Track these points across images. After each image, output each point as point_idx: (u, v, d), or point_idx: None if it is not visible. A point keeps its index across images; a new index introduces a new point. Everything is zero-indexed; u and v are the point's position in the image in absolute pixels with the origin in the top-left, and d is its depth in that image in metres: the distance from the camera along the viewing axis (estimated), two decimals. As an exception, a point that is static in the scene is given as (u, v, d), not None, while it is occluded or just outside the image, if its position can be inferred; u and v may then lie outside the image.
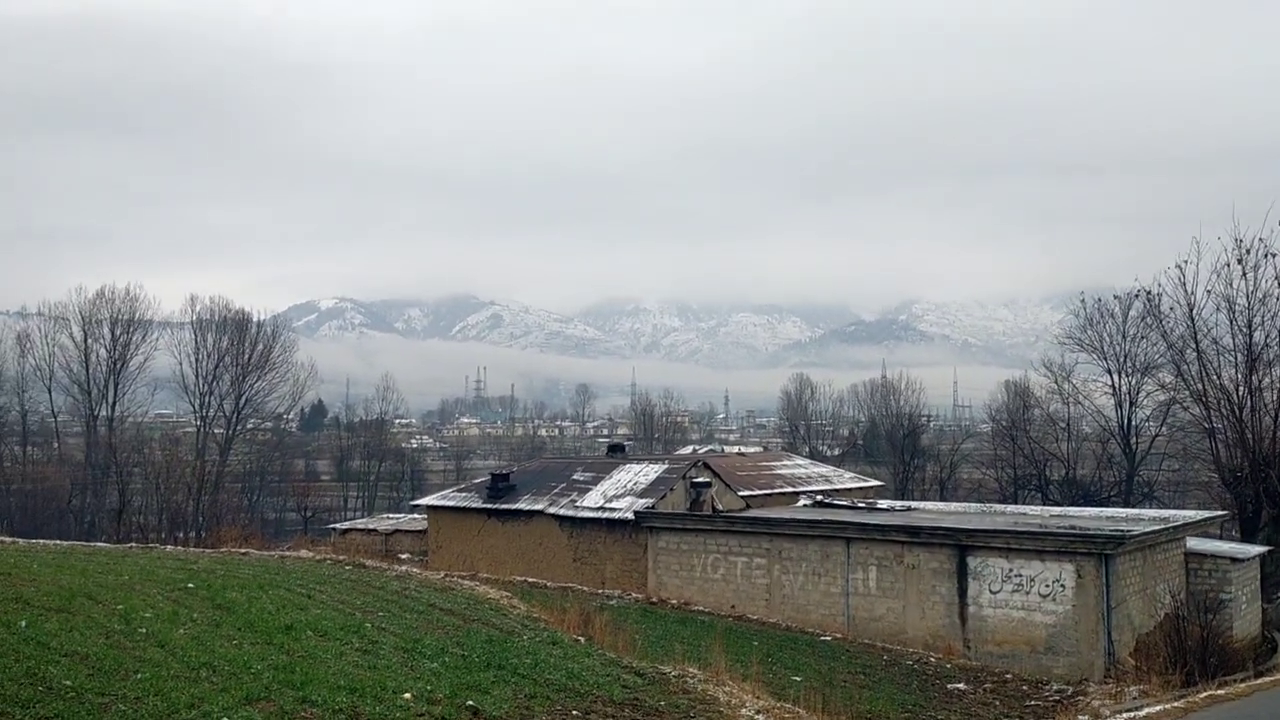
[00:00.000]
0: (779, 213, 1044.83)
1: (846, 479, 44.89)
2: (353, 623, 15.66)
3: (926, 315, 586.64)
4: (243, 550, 25.90)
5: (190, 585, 17.15)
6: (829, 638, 25.81)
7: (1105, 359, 52.91)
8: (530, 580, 29.88)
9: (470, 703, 11.81)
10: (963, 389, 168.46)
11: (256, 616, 15.07)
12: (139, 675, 11.02)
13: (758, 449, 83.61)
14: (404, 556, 38.50)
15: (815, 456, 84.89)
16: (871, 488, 43.96)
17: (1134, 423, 53.02)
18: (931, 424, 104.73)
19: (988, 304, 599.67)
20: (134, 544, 29.32)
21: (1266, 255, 35.75)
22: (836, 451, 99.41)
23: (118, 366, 75.21)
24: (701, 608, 28.73)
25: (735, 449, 78.41)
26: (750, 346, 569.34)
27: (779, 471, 42.33)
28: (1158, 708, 16.20)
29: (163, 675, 11.16)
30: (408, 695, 11.70)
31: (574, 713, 12.36)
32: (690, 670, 15.79)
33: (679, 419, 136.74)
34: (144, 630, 13.22)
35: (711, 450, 77.56)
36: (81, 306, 75.83)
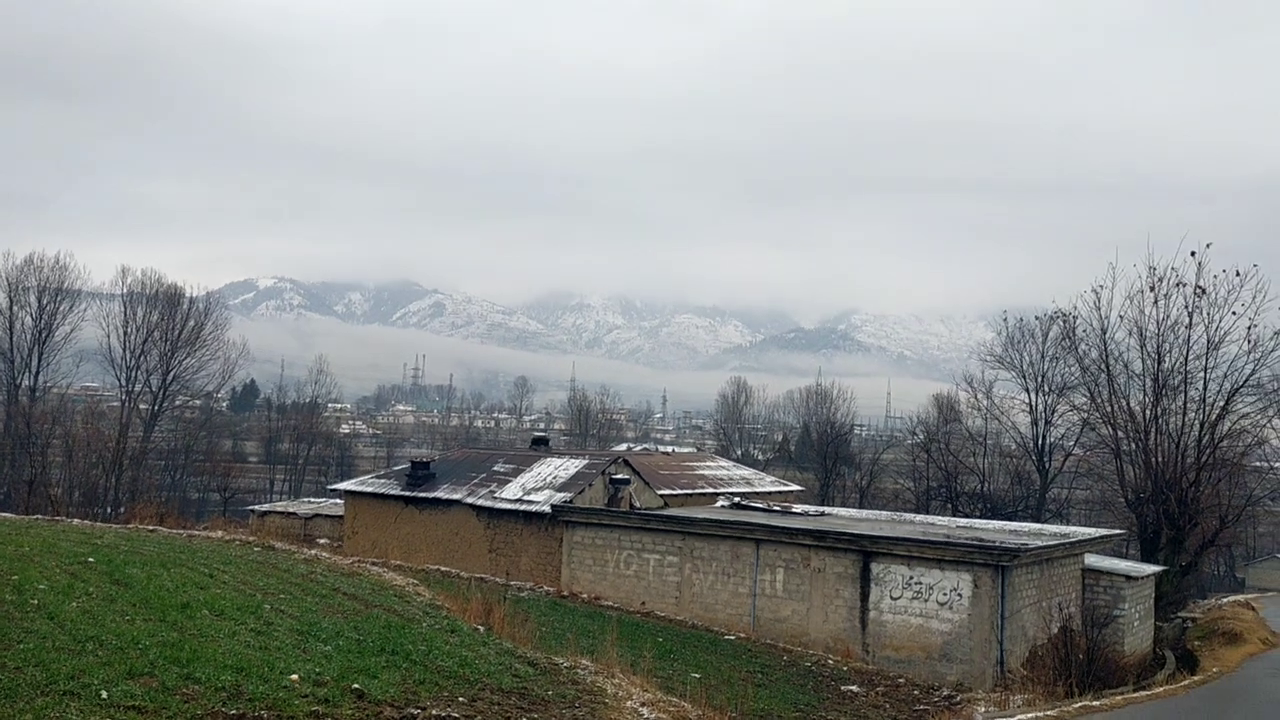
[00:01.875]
0: (726, 217, 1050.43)
1: (768, 482, 45.62)
2: (251, 603, 15.76)
3: (865, 326, 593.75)
4: (151, 527, 25.70)
5: (91, 559, 17.10)
6: (733, 637, 26.31)
7: (1024, 378, 54.41)
8: (444, 569, 30.00)
9: (356, 686, 12.01)
10: (896, 401, 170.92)
11: (154, 593, 15.11)
12: (22, 645, 11.09)
13: (691, 449, 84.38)
14: (322, 541, 38.41)
15: (747, 460, 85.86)
16: (791, 492, 44.69)
17: (1049, 441, 54.51)
18: (861, 433, 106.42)
19: (924, 318, 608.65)
20: (40, 516, 28.91)
21: (1178, 284, 36.97)
22: (768, 456, 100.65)
23: (43, 335, 73.64)
24: (612, 603, 29.09)
25: (669, 449, 79.07)
26: (691, 348, 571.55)
27: (701, 472, 42.87)
28: (1032, 715, 16.91)
29: (47, 647, 11.23)
30: (295, 676, 11.88)
31: (460, 699, 12.60)
32: (583, 662, 16.13)
33: (616, 416, 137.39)
34: (35, 602, 13.23)
35: (646, 449, 78.05)
36: (8, 272, 74.08)
